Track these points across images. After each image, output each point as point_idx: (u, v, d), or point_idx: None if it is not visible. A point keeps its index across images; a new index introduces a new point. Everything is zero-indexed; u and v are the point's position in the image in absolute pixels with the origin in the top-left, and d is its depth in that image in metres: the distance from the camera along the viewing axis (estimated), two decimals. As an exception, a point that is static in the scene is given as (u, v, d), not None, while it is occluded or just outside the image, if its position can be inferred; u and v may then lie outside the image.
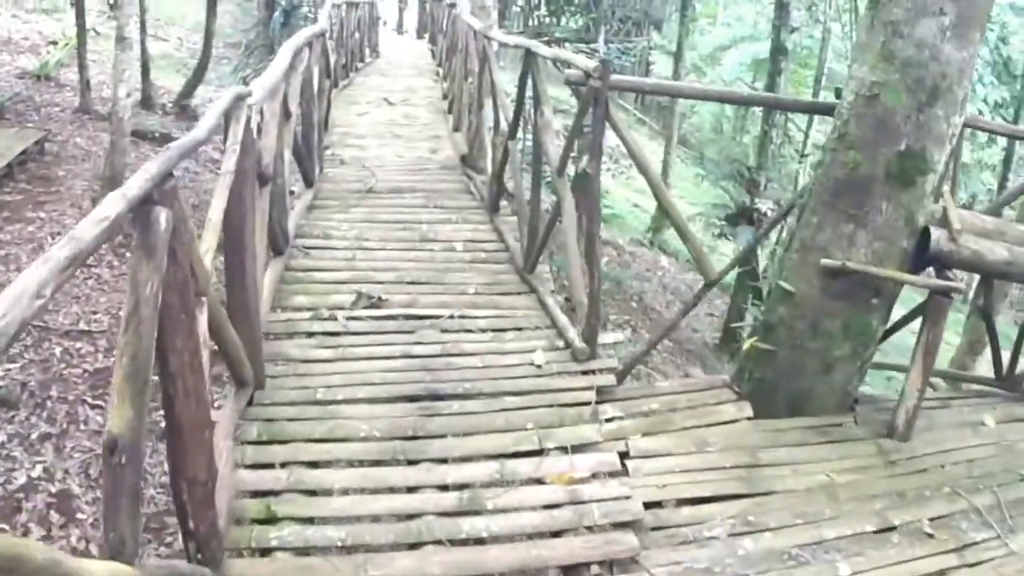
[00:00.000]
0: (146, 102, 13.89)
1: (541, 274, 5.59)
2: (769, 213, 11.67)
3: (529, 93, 6.00)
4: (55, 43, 14.58)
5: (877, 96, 3.93)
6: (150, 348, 2.05)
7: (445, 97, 12.03)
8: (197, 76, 14.55)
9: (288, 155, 5.54)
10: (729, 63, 25.33)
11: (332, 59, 10.50)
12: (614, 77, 4.38)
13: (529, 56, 5.63)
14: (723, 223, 11.93)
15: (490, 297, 5.34)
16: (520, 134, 6.79)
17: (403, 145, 9.09)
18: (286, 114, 5.30)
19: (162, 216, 2.12)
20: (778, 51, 14.72)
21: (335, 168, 7.93)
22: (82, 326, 6.37)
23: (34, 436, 4.96)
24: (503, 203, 6.83)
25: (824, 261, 4.04)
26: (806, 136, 17.26)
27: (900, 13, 3.88)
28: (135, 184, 2.03)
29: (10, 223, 8.89)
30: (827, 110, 4.42)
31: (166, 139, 12.66)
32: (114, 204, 1.91)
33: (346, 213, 6.62)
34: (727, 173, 13.73)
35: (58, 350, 5.94)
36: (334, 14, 11.82)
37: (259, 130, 4.16)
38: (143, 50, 13.29)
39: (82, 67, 12.28)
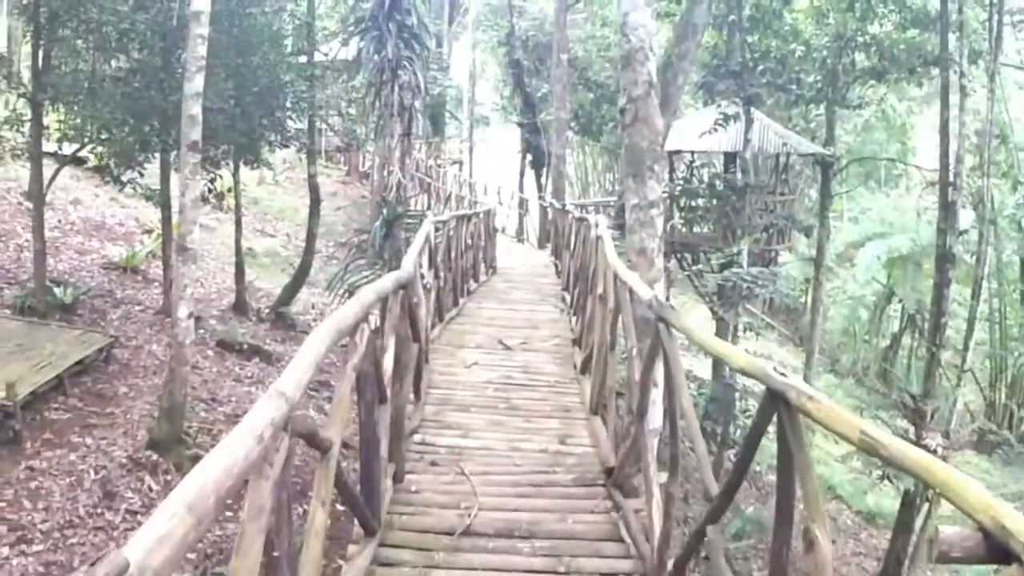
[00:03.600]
0: (240, 307, 12.39)
1: None
2: (939, 450, 10.56)
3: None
4: (150, 232, 13.40)
5: None
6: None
7: (575, 342, 9.68)
8: (297, 281, 13.10)
9: (322, 515, 3.15)
10: (862, 262, 23.76)
11: (431, 299, 8.71)
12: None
13: (776, 402, 2.97)
14: (884, 464, 10.12)
15: None
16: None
17: (521, 426, 6.63)
18: (322, 448, 3.04)
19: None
20: (944, 259, 12.56)
21: (421, 474, 5.47)
22: None
23: None
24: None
25: None
26: (965, 349, 14.37)
27: None
28: None
29: (50, 447, 7.59)
30: None
31: (255, 351, 10.90)
32: None
33: (425, 583, 4.12)
34: (887, 402, 12.79)
35: None
36: (438, 234, 10.23)
37: None
38: (238, 251, 11.94)
39: (166, 265, 10.88)
